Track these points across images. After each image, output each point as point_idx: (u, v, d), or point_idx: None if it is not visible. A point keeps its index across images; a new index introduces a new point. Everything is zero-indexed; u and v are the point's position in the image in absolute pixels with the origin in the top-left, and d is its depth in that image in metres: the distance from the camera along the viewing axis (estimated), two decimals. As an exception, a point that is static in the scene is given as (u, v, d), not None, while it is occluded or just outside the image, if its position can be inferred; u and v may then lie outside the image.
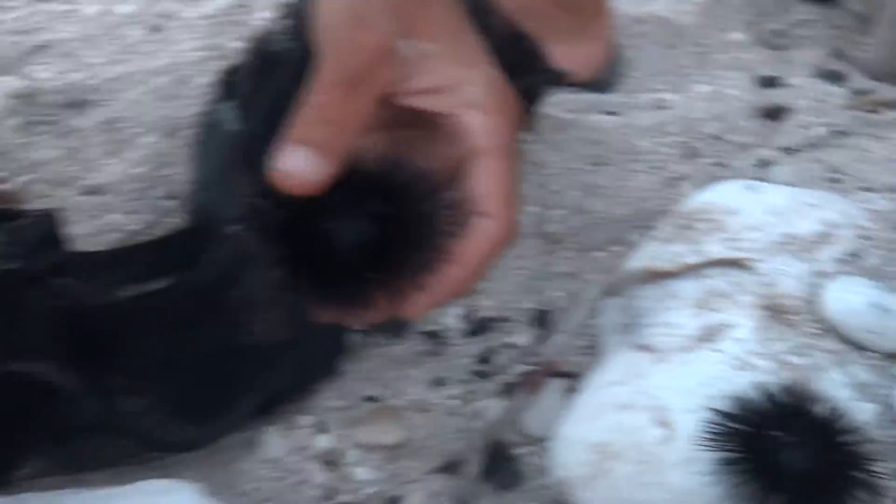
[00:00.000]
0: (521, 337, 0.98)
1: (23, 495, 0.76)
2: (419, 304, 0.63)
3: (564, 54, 1.21)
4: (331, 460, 0.87)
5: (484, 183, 0.62)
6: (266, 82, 1.04)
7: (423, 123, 0.64)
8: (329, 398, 0.92)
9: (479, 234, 0.62)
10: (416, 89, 0.62)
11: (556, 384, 0.91)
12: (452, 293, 0.63)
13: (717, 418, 0.72)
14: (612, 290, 0.88)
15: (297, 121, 0.60)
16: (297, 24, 1.09)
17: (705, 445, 0.71)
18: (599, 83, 1.27)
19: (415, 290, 0.62)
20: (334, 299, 0.61)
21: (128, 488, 0.75)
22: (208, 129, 1.11)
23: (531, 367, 0.93)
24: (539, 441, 0.89)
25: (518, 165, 0.64)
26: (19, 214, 0.85)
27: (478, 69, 0.64)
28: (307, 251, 0.60)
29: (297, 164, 0.58)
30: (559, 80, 1.21)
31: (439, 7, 0.64)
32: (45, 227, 0.85)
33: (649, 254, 0.90)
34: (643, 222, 1.08)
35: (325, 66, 0.60)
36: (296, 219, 0.60)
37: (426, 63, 0.62)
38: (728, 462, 0.70)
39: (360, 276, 0.60)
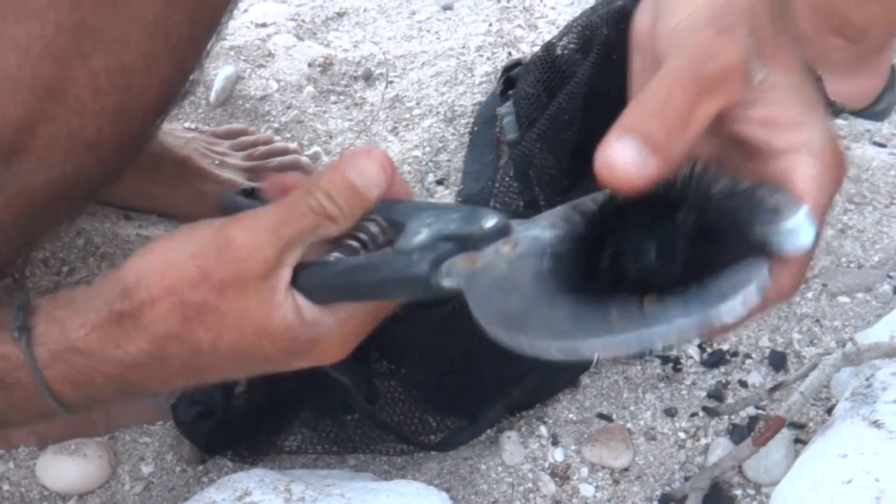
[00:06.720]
0: (756, 376, 1.01)
1: (294, 470, 0.86)
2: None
3: (839, 86, 1.21)
4: (561, 473, 0.94)
5: None
6: (549, 95, 1.08)
7: (750, 154, 0.59)
8: (566, 409, 0.98)
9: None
10: (755, 117, 0.57)
11: (784, 434, 0.94)
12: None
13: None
14: (854, 358, 0.90)
15: (633, 108, 0.54)
16: (588, 36, 1.12)
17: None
18: (874, 112, 1.26)
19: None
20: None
21: (386, 484, 0.83)
22: (484, 124, 1.18)
23: (761, 414, 0.97)
24: (759, 487, 0.93)
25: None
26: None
27: (819, 114, 0.58)
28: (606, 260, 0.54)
29: (625, 157, 0.52)
30: (832, 113, 1.21)
31: (792, 40, 0.59)
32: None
33: (898, 324, 0.92)
34: (897, 274, 1.08)
35: (677, 63, 0.56)
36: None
37: (771, 93, 0.57)
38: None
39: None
